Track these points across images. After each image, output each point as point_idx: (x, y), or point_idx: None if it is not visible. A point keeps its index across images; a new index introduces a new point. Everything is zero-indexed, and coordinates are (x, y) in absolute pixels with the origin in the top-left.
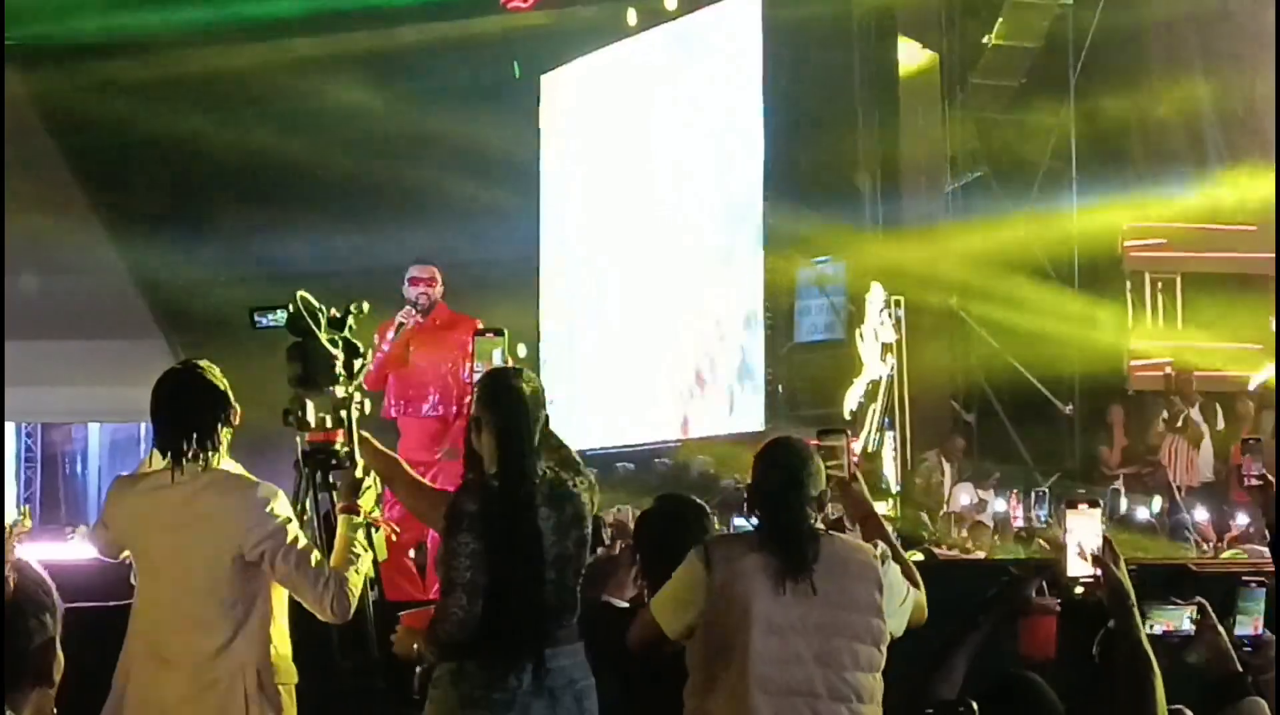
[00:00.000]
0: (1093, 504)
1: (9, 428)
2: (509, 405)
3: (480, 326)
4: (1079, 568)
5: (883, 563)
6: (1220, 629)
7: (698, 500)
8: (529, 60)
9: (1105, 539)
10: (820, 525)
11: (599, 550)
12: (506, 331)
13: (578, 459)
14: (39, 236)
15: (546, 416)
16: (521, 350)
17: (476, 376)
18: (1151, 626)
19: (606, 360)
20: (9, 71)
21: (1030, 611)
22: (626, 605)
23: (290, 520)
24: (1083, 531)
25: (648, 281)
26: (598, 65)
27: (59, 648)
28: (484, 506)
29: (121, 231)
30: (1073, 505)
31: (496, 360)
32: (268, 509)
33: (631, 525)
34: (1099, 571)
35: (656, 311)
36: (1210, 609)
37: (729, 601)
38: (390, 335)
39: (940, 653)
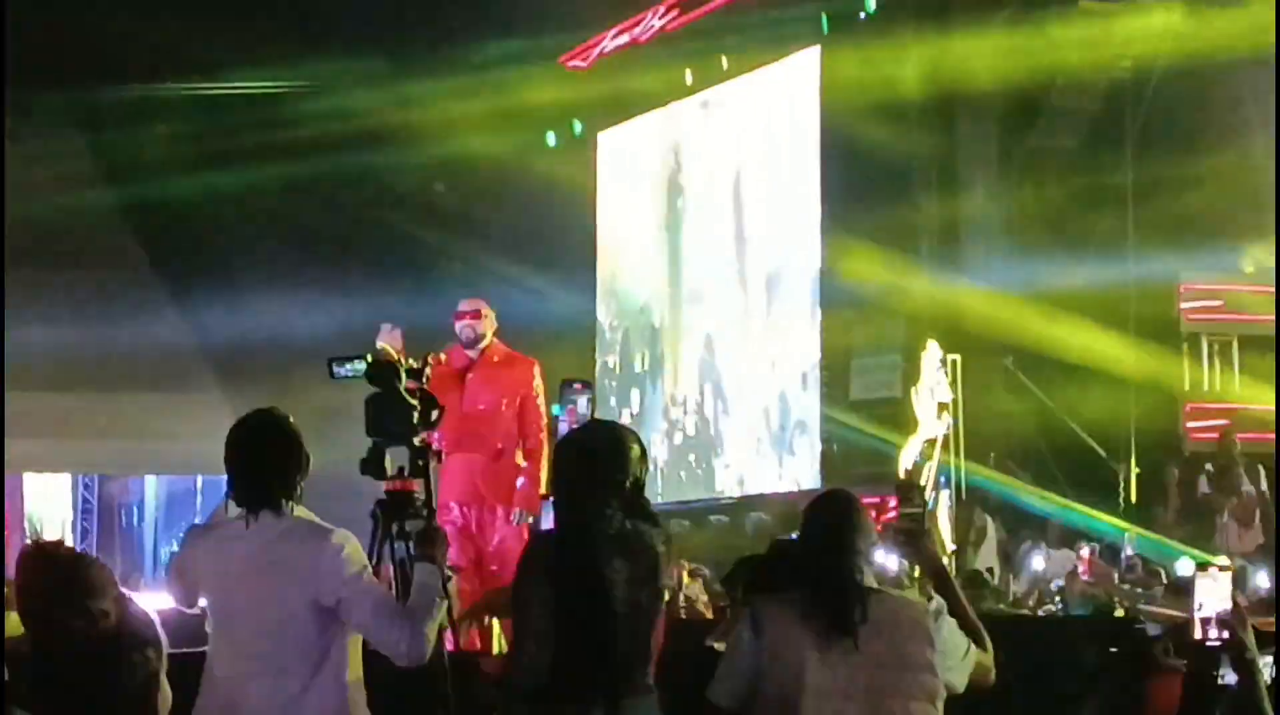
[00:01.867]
0: (1223, 568)
1: (66, 479)
2: (587, 457)
3: (567, 377)
4: (1208, 630)
5: (935, 618)
6: None
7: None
8: (588, 118)
9: (1234, 602)
10: (871, 581)
11: None
12: (593, 384)
13: (654, 512)
14: (100, 290)
15: (634, 472)
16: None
17: (562, 425)
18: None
19: (663, 417)
20: (71, 125)
21: (1157, 672)
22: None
23: (366, 567)
24: (1212, 595)
25: (705, 339)
26: (656, 123)
27: (165, 683)
28: (558, 555)
29: (181, 285)
30: (1204, 568)
31: (582, 409)
32: (343, 556)
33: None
34: (1226, 634)
35: (714, 369)
36: None
37: (780, 667)
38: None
39: (1061, 711)
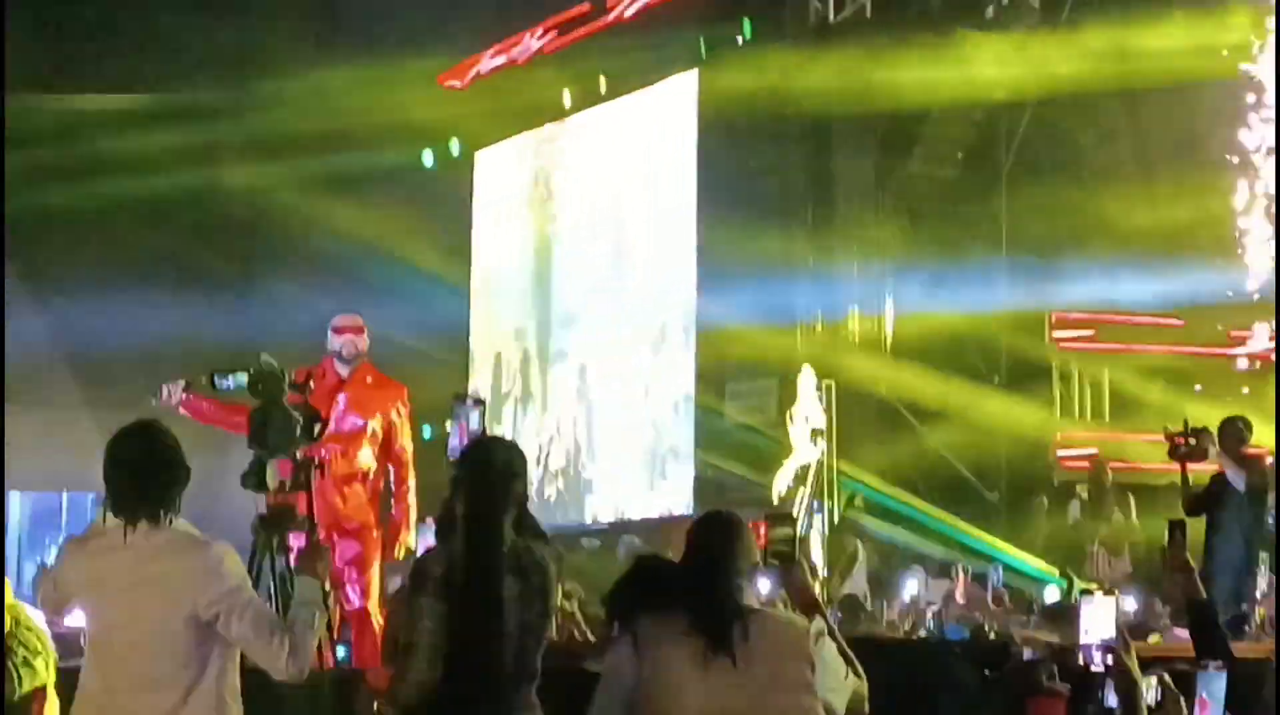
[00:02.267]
0: (1108, 593)
1: None
2: (484, 473)
3: (459, 393)
4: (1092, 655)
5: (816, 640)
6: (1182, 700)
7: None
8: (466, 138)
9: (1118, 627)
10: (752, 601)
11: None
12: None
13: (544, 531)
14: None
15: (525, 492)
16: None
17: (453, 441)
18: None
19: (536, 440)
20: None
21: (1038, 695)
22: None
23: (245, 579)
24: (1096, 621)
25: (580, 362)
26: (533, 144)
27: (52, 695)
28: (449, 571)
29: (45, 297)
30: (1088, 593)
31: (474, 425)
32: (222, 568)
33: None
34: (1110, 659)
35: (588, 392)
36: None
37: (659, 687)
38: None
39: None
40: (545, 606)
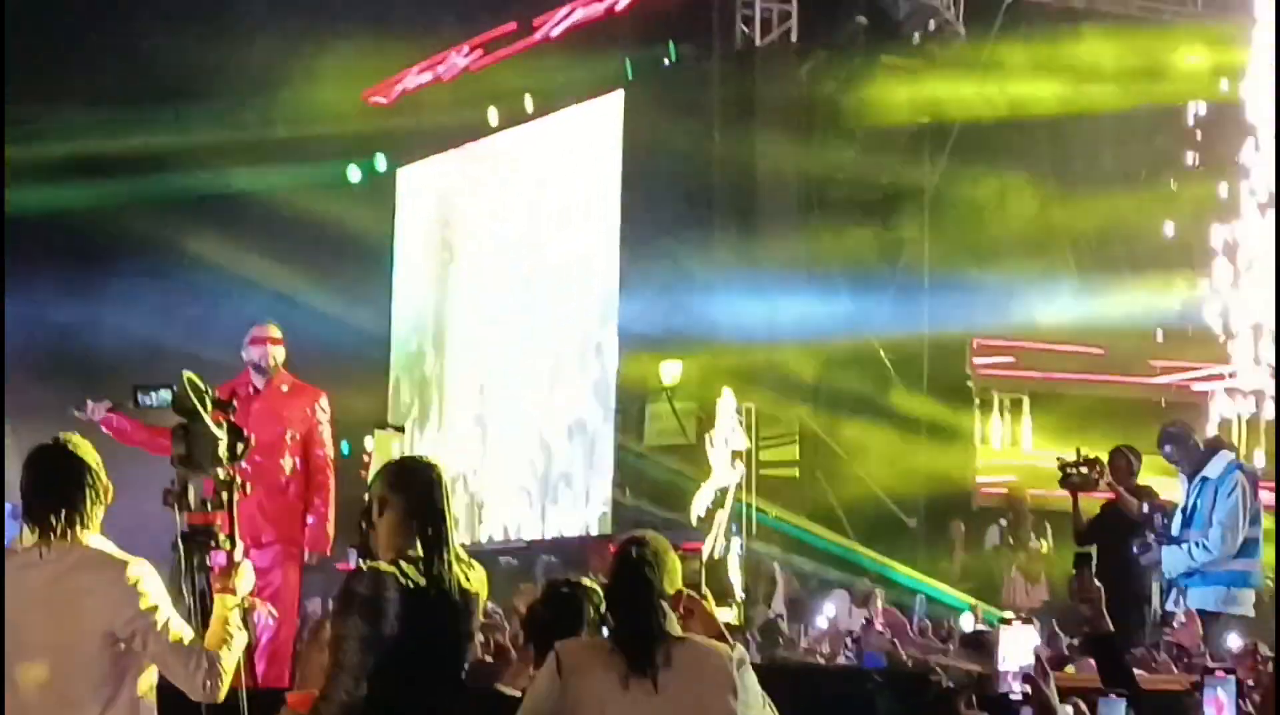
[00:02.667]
0: (1026, 621)
1: None
2: (427, 489)
3: (379, 422)
4: (1010, 683)
5: (739, 666)
6: None
7: (588, 582)
8: (390, 154)
9: (1037, 656)
10: (675, 625)
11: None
12: (405, 427)
13: (468, 554)
14: None
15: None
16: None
17: (373, 467)
18: None
19: (456, 455)
20: None
21: None
22: (519, 694)
23: (163, 598)
24: (1014, 648)
25: (502, 378)
26: (458, 162)
27: None
28: (378, 595)
29: None
30: (1007, 622)
31: (393, 453)
32: (139, 587)
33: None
34: (1029, 688)
35: (509, 408)
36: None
37: (580, 710)
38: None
39: None
40: (470, 628)
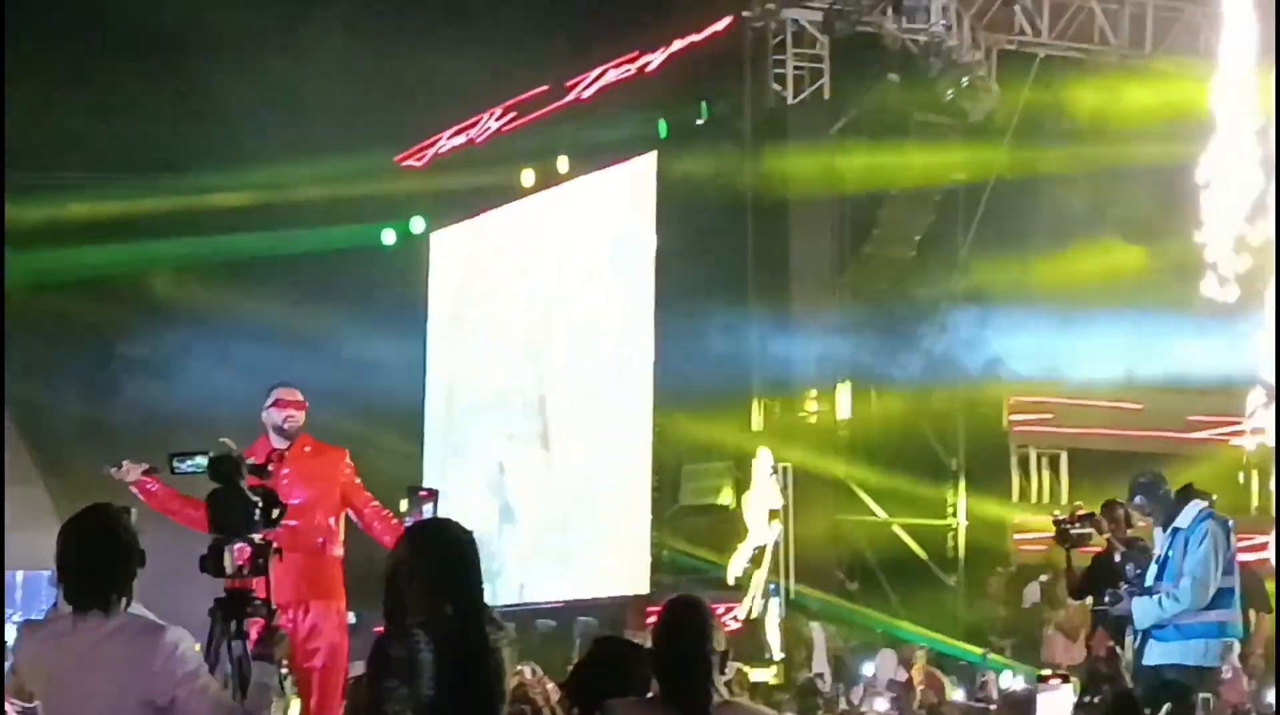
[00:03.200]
0: (1064, 679)
1: None
2: (456, 552)
3: (413, 486)
4: None
5: None
6: None
7: (635, 642)
8: (424, 217)
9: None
10: (721, 688)
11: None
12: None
13: (496, 615)
14: None
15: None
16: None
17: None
18: None
19: (490, 519)
20: None
21: None
22: None
23: (201, 664)
24: (1054, 706)
25: (535, 440)
26: (491, 223)
27: None
28: (413, 655)
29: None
30: (1044, 679)
31: (427, 515)
32: (178, 653)
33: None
34: None
35: (544, 471)
36: None
37: None
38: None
39: None
40: (503, 686)
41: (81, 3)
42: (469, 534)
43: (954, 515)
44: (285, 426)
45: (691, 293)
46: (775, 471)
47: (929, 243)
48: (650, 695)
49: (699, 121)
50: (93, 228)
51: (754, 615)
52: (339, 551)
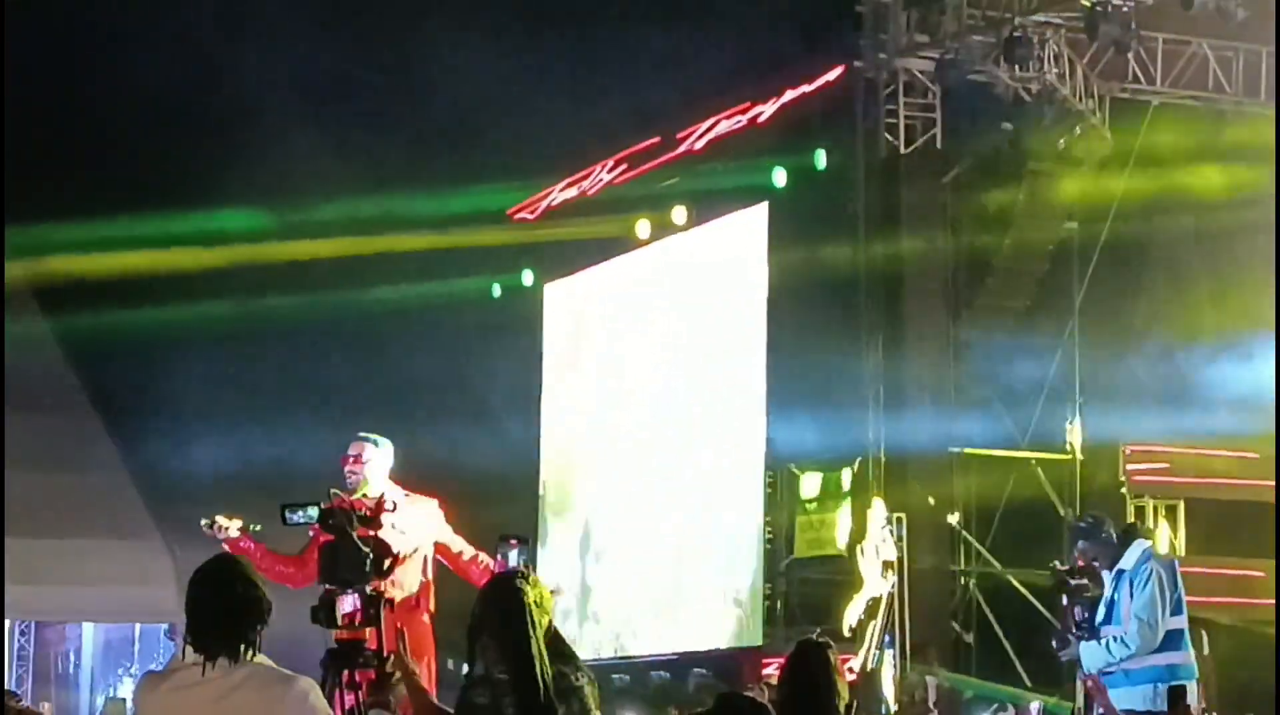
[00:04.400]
0: None
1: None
2: (514, 614)
3: (504, 533)
4: None
5: None
6: None
7: (759, 701)
8: (536, 270)
9: None
10: None
11: None
12: (529, 538)
13: (576, 655)
14: (40, 433)
15: (550, 621)
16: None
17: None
18: None
19: (606, 573)
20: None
21: None
22: None
23: (329, 714)
24: None
25: (650, 495)
26: (607, 275)
27: None
28: (497, 705)
29: (120, 428)
30: None
31: (512, 562)
32: (308, 703)
33: None
34: None
35: (660, 525)
36: None
37: None
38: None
39: None
40: None
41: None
42: (531, 586)
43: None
44: (348, 481)
45: (805, 342)
46: (889, 523)
47: (1044, 291)
48: None
49: (811, 171)
50: (212, 280)
51: (869, 667)
52: (430, 605)
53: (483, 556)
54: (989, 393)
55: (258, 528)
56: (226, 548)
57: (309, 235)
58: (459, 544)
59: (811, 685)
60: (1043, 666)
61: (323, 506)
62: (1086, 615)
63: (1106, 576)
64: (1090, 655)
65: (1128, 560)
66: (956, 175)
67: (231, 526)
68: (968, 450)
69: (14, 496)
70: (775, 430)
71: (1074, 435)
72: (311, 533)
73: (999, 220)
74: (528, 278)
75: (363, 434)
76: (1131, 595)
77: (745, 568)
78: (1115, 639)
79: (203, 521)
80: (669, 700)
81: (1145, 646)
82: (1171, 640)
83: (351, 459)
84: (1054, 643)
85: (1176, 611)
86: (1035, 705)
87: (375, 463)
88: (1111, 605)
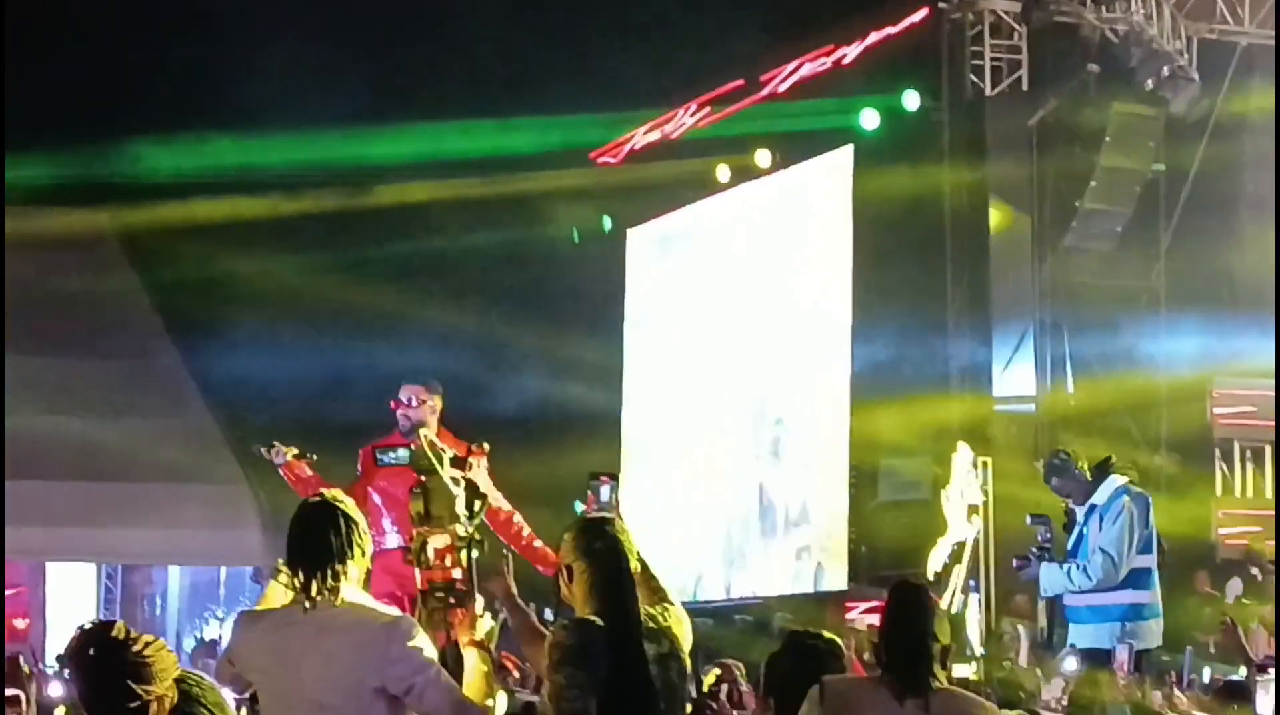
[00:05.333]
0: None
1: (90, 569)
2: (603, 555)
3: (593, 471)
4: None
5: None
6: None
7: (830, 636)
8: (618, 214)
9: None
10: (940, 676)
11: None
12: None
13: (667, 591)
14: (127, 378)
15: (639, 563)
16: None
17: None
18: None
19: (689, 515)
20: (98, 208)
21: None
22: None
23: (434, 652)
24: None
25: (734, 437)
26: (687, 220)
27: None
28: (585, 642)
29: (208, 374)
30: (1261, 670)
31: (604, 498)
32: (412, 642)
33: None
34: None
35: (742, 467)
36: None
37: None
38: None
39: None
40: (681, 667)
41: None
42: (620, 530)
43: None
44: (400, 426)
45: (888, 285)
46: (975, 466)
47: (1129, 235)
48: (868, 677)
49: (896, 114)
50: (296, 230)
51: (954, 611)
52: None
53: (518, 516)
54: (1074, 332)
55: (313, 457)
56: (283, 473)
57: (392, 180)
58: (499, 498)
59: (909, 627)
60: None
61: (413, 447)
62: (1049, 536)
63: (1079, 512)
64: (1050, 577)
65: (1100, 495)
66: (1042, 117)
67: (288, 451)
68: (1054, 392)
69: (100, 441)
70: (859, 373)
71: (1159, 377)
72: (360, 470)
73: (1085, 163)
74: (607, 223)
75: (420, 380)
76: (1100, 529)
77: (829, 512)
78: (1078, 567)
79: (260, 447)
80: (752, 645)
81: (1106, 580)
82: (1138, 578)
83: (409, 402)
84: (1014, 562)
85: (1145, 550)
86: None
87: (430, 407)
88: (1080, 539)
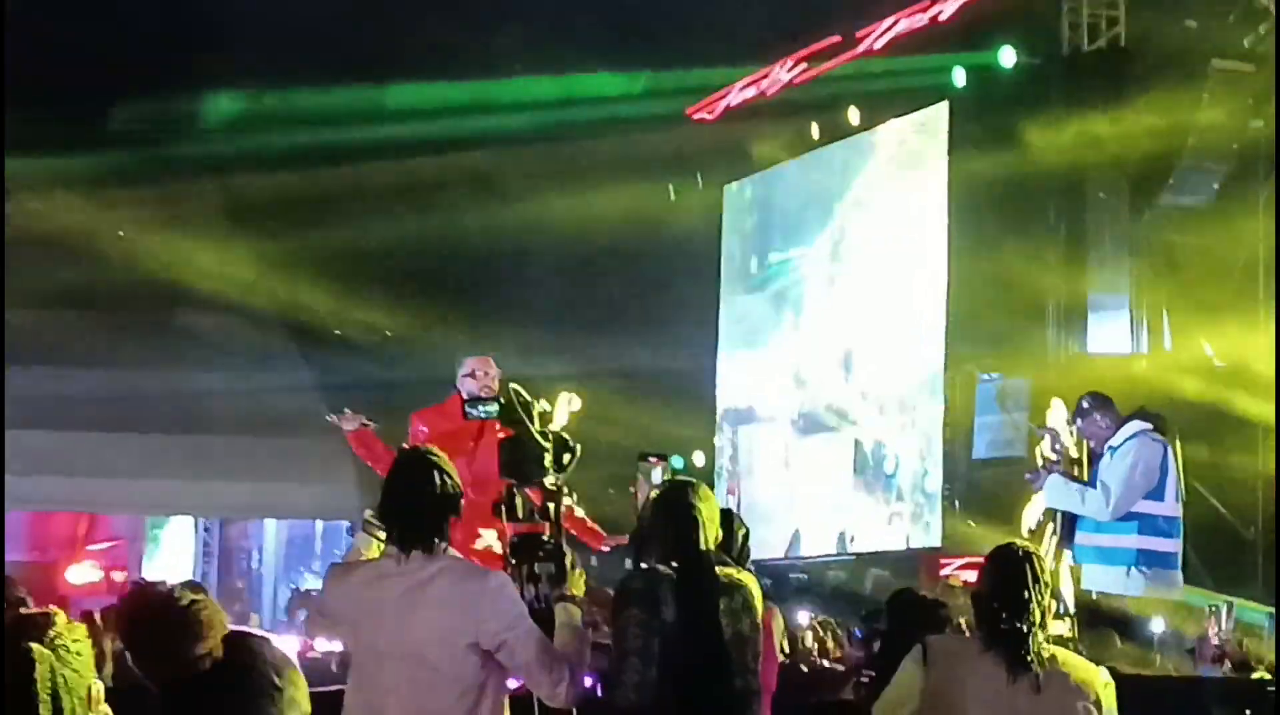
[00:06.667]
0: None
1: (188, 522)
2: (682, 519)
3: (643, 452)
4: None
5: (1105, 688)
6: None
7: (932, 597)
8: (712, 171)
9: None
10: (1040, 636)
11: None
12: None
13: (749, 553)
14: (226, 335)
15: (719, 532)
16: (699, 458)
17: (640, 499)
18: None
19: (784, 472)
20: (206, 174)
21: None
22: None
23: (525, 607)
24: None
25: (828, 396)
26: (781, 177)
27: None
28: (652, 586)
29: (304, 329)
30: None
31: (655, 479)
32: (505, 597)
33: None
34: None
35: (836, 425)
36: None
37: (944, 702)
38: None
39: None
40: (754, 621)
41: None
42: (700, 498)
43: (1259, 466)
44: (481, 393)
45: (985, 243)
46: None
47: (1227, 192)
48: (973, 639)
49: (992, 70)
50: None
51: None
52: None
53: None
54: (1171, 291)
55: (375, 425)
56: (349, 440)
57: (492, 143)
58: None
59: (1016, 596)
60: (1233, 573)
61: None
62: (1058, 447)
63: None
64: (1053, 488)
65: (1119, 437)
66: (1140, 73)
67: (355, 419)
68: (1151, 346)
69: (198, 396)
70: (956, 331)
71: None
72: (411, 434)
73: (1183, 119)
74: (699, 180)
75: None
76: (1109, 465)
77: (924, 468)
78: (1081, 489)
79: (329, 414)
80: (846, 600)
81: (1098, 511)
82: (1151, 525)
83: (477, 372)
84: (1026, 475)
85: (1157, 496)
86: (1224, 607)
87: (496, 376)
88: (1094, 477)
